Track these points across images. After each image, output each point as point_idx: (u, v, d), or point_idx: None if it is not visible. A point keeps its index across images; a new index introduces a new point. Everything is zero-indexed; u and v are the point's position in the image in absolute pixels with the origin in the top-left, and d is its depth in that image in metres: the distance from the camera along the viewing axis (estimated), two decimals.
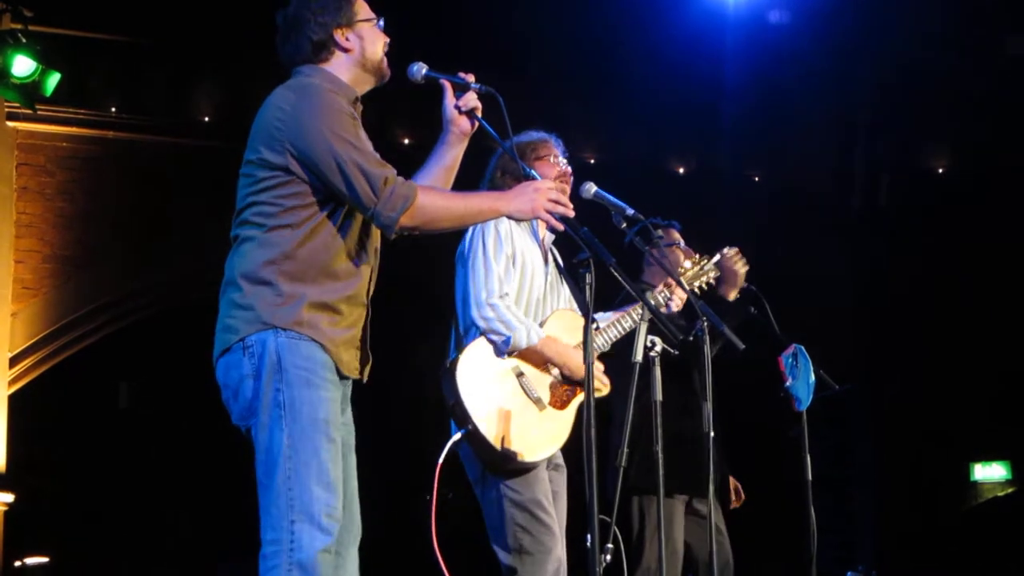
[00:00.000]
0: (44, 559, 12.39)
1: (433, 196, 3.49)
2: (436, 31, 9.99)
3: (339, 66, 3.66)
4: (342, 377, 3.52)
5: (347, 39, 3.64)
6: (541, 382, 4.41)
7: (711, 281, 5.38)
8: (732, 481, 6.08)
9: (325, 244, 3.47)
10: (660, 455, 4.26)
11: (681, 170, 12.65)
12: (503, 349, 4.31)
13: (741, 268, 5.68)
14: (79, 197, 10.75)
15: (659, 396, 4.31)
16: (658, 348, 4.32)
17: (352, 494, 3.61)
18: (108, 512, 12.42)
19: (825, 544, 5.62)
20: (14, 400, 10.46)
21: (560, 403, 4.44)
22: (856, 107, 12.68)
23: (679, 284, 4.95)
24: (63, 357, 10.95)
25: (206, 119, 11.14)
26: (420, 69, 3.75)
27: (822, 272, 12.18)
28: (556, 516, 4.40)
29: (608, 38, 11.38)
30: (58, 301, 10.62)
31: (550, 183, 3.63)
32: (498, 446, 4.23)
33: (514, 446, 4.25)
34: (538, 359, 4.40)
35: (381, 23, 3.72)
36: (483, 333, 4.33)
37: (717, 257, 5.40)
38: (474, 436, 4.22)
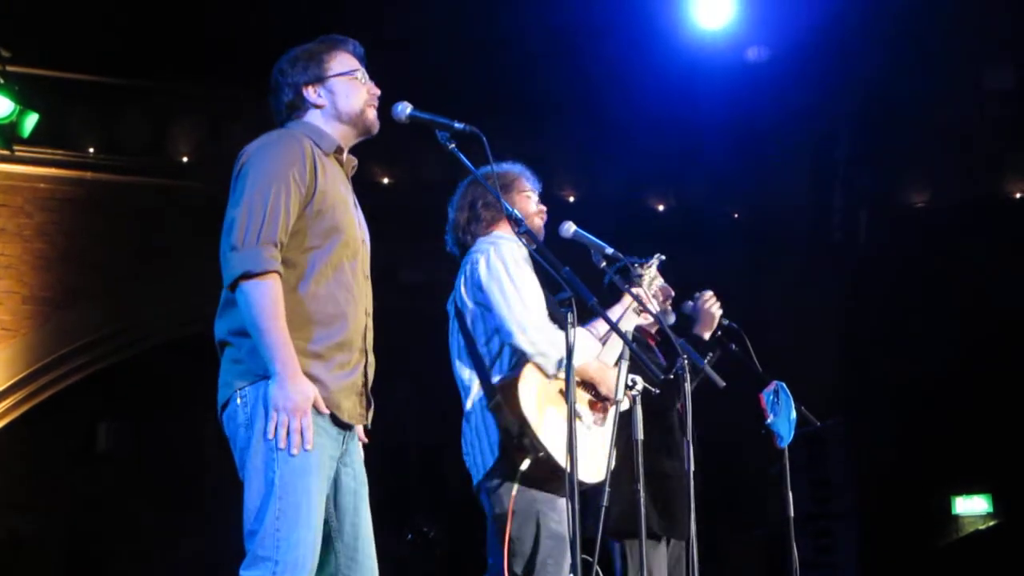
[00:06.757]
0: None
1: (273, 296, 3.33)
2: (418, 73, 10.01)
3: (315, 120, 3.67)
4: (342, 425, 3.49)
5: (318, 95, 3.65)
6: (581, 402, 4.40)
7: (658, 279, 5.29)
8: None
9: (307, 293, 3.46)
10: (642, 494, 4.24)
11: (660, 207, 12.68)
12: (554, 371, 4.25)
13: (716, 310, 5.67)
14: (58, 238, 10.72)
15: (640, 435, 4.29)
16: (639, 387, 4.31)
17: (364, 544, 3.59)
18: (87, 552, 12.33)
19: None
20: None
21: (600, 420, 4.46)
22: (834, 143, 12.74)
23: (657, 320, 4.95)
24: (42, 398, 10.90)
25: (184, 159, 11.13)
26: (404, 109, 3.75)
27: (801, 308, 12.20)
28: None
29: (586, 77, 11.42)
30: (37, 342, 10.58)
31: (313, 421, 3.39)
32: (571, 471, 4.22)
33: (583, 469, 4.20)
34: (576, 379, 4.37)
35: (364, 75, 3.71)
36: (530, 357, 4.25)
37: (655, 260, 5.29)
38: (545, 463, 4.18)
